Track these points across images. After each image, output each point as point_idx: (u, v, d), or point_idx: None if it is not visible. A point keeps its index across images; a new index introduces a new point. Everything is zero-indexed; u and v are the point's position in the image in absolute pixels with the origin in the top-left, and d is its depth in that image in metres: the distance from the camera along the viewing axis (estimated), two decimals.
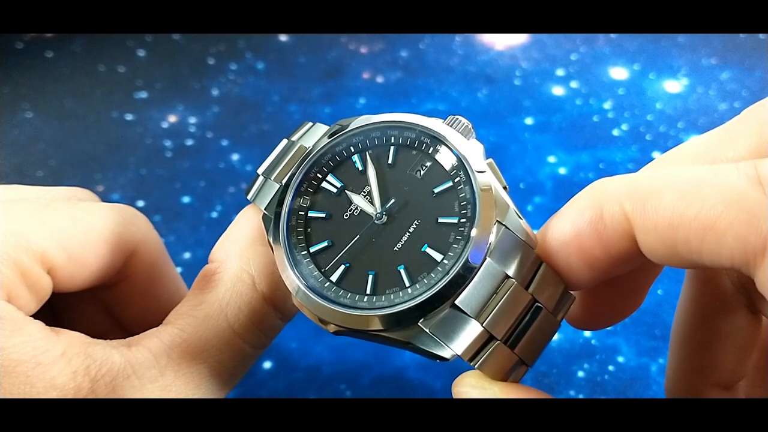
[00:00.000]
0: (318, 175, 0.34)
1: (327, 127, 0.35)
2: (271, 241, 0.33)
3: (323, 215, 0.33)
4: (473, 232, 0.30)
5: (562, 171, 0.65)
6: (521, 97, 0.73)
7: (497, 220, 0.30)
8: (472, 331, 0.29)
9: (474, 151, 0.32)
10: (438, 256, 0.31)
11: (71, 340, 0.31)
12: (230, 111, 0.74)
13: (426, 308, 0.30)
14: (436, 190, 0.32)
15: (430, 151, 0.33)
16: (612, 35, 0.79)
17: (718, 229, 0.24)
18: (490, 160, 0.32)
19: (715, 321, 0.33)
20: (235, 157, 0.68)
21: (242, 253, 0.34)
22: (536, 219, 0.61)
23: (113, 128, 0.73)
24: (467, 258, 0.29)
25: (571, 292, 0.32)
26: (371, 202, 0.32)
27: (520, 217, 0.31)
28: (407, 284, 0.31)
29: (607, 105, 0.71)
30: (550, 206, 0.62)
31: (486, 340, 0.30)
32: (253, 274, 0.34)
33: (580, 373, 0.50)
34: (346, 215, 0.33)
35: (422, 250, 0.31)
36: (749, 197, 0.23)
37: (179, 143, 0.70)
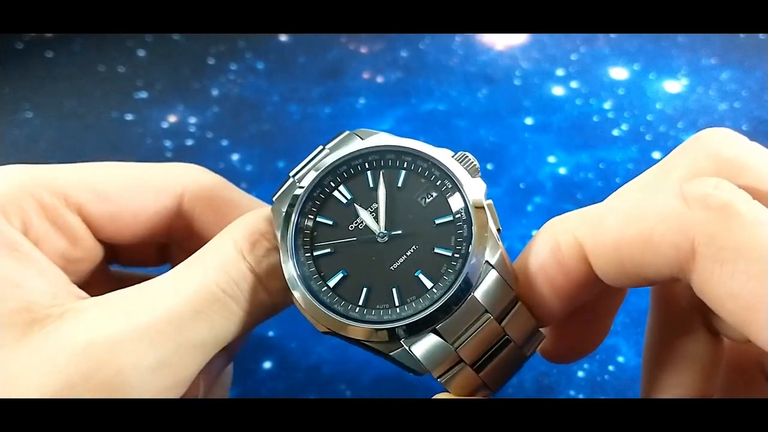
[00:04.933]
0: (331, 183, 0.35)
1: (359, 140, 0.36)
2: (279, 237, 0.34)
3: (330, 222, 0.35)
4: (464, 268, 0.32)
5: (562, 171, 0.65)
6: (521, 97, 0.73)
7: (487, 260, 0.32)
8: (445, 353, 0.32)
9: (477, 191, 0.34)
10: (429, 284, 0.33)
11: (56, 273, 0.32)
12: (230, 111, 0.74)
13: (410, 329, 0.32)
14: (437, 221, 0.34)
15: (437, 184, 0.35)
16: (612, 35, 0.79)
17: (654, 242, 0.27)
18: (490, 201, 0.34)
19: (677, 342, 0.34)
20: (235, 157, 0.68)
21: (231, 228, 0.35)
22: (536, 219, 0.61)
23: (113, 128, 0.73)
24: (455, 291, 0.32)
25: (541, 330, 0.34)
26: (376, 219, 0.34)
27: (506, 258, 0.33)
28: (397, 303, 0.33)
29: (607, 105, 0.71)
30: (550, 206, 0.62)
31: (456, 362, 0.32)
32: (237, 239, 0.34)
33: (580, 373, 0.50)
34: (351, 227, 0.34)
35: (415, 274, 0.33)
36: (677, 211, 0.27)
37: (179, 143, 0.70)
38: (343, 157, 0.35)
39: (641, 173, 0.33)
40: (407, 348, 0.32)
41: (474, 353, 0.32)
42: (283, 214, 0.34)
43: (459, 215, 0.33)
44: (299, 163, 0.36)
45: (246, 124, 0.72)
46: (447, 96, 0.74)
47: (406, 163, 0.35)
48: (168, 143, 0.70)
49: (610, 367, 0.51)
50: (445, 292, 0.32)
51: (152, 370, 0.30)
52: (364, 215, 0.34)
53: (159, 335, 0.30)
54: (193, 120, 0.73)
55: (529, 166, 0.66)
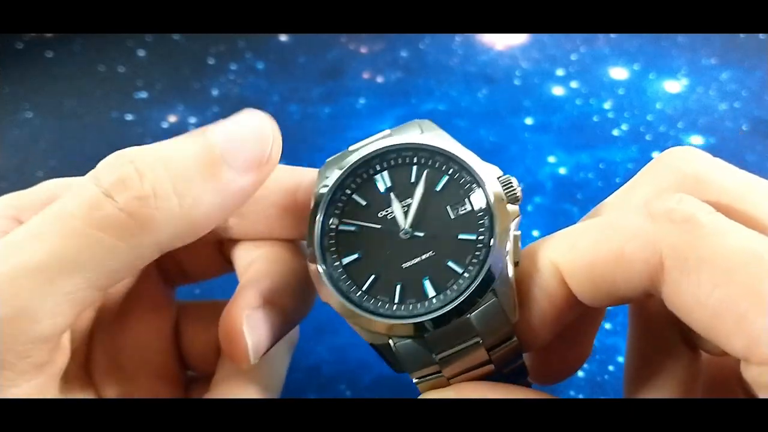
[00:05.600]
0: (377, 166, 0.36)
1: (419, 131, 0.36)
2: (313, 198, 0.35)
3: (363, 203, 0.35)
4: (468, 289, 0.32)
5: (562, 171, 0.65)
6: (521, 97, 0.73)
7: (493, 289, 0.32)
8: (426, 361, 0.32)
9: (510, 219, 0.33)
10: (431, 293, 0.33)
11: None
12: (230, 111, 0.73)
13: (400, 331, 0.32)
14: (460, 236, 0.34)
15: (476, 201, 0.34)
16: (612, 35, 0.79)
17: (626, 259, 0.28)
18: (518, 232, 0.33)
19: (655, 358, 0.34)
20: None
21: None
22: (536, 219, 0.61)
23: (113, 128, 0.73)
24: (452, 308, 0.32)
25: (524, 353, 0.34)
26: (406, 215, 0.34)
27: (514, 293, 0.32)
28: (396, 301, 0.33)
29: (607, 105, 0.71)
30: (550, 206, 0.62)
31: (435, 371, 0.33)
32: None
33: (580, 373, 0.50)
34: (381, 214, 0.35)
35: (422, 280, 0.33)
36: (645, 228, 0.28)
37: None
38: (396, 145, 0.35)
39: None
40: (392, 345, 0.33)
41: (454, 370, 0.33)
42: (325, 180, 0.35)
43: (482, 238, 0.33)
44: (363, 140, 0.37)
45: None
46: (447, 96, 0.74)
47: (451, 169, 0.35)
48: None
49: (610, 367, 0.51)
50: (443, 306, 0.32)
51: None
52: (396, 207, 0.35)
53: None
54: (193, 120, 0.73)
55: (529, 166, 0.66)
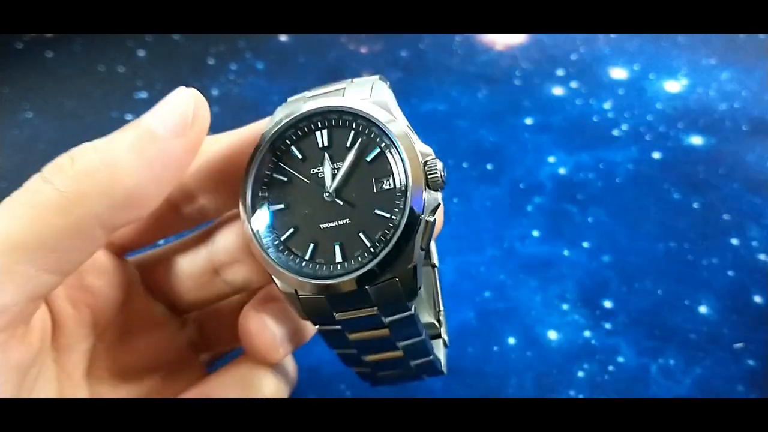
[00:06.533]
0: (318, 123, 0.36)
1: (367, 93, 0.37)
2: (261, 140, 0.36)
3: (300, 157, 0.36)
4: (370, 264, 0.33)
5: (562, 171, 0.65)
6: (521, 97, 0.73)
7: (395, 269, 0.33)
8: (328, 318, 0.34)
9: (425, 203, 0.33)
10: (339, 257, 0.34)
11: None
12: (230, 111, 0.74)
13: (304, 287, 0.34)
14: (376, 212, 0.34)
15: (398, 180, 0.34)
16: (612, 35, 0.79)
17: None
18: (433, 219, 0.33)
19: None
20: None
21: None
22: (536, 219, 0.61)
23: (113, 128, 0.73)
24: (354, 278, 0.33)
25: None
26: (334, 177, 0.35)
27: (415, 276, 0.33)
28: (306, 257, 0.34)
29: (607, 105, 0.71)
30: (550, 206, 0.62)
31: (337, 330, 0.35)
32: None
33: (580, 373, 0.50)
34: (313, 170, 0.35)
35: (334, 244, 0.34)
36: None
37: None
38: (338, 107, 0.36)
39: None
40: (299, 299, 0.34)
41: (354, 335, 0.34)
42: (273, 128, 0.36)
43: (394, 218, 0.33)
44: (321, 87, 0.38)
45: (246, 124, 0.72)
46: (447, 96, 0.74)
47: (384, 143, 0.35)
48: None
49: (610, 367, 0.51)
50: (344, 275, 0.33)
51: None
52: (327, 168, 0.35)
53: None
54: None
55: (529, 166, 0.66)
